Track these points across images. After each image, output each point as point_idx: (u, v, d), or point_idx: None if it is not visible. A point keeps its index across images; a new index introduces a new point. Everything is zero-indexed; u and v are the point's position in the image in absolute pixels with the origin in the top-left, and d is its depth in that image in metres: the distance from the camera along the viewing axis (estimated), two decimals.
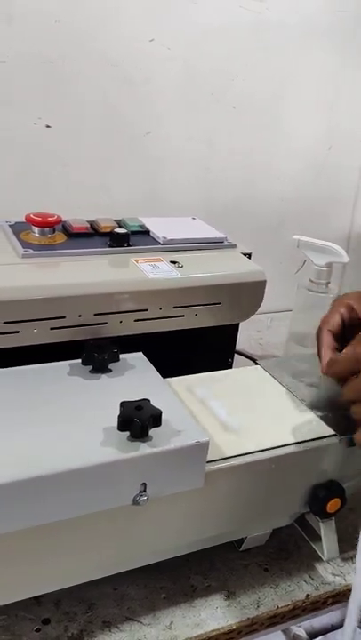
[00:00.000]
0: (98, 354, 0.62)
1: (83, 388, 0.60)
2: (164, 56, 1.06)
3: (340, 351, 0.65)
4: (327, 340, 0.67)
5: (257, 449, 0.61)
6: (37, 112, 1.01)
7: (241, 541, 0.69)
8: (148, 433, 0.53)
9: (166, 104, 1.10)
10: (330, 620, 1.42)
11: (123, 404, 0.54)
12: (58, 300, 0.63)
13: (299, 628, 1.40)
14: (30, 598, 0.60)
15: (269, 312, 1.30)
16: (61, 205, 0.84)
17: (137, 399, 0.54)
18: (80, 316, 0.65)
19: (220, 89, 1.14)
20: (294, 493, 0.65)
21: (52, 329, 0.64)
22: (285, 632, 1.38)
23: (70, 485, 0.49)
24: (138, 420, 0.52)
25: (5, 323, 0.62)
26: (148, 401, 0.54)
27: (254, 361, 1.06)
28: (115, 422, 0.53)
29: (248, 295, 0.75)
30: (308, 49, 1.19)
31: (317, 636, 1.38)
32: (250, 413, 0.67)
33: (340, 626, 1.39)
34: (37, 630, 0.59)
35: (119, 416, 0.52)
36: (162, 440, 0.53)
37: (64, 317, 0.65)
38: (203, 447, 0.54)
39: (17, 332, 0.62)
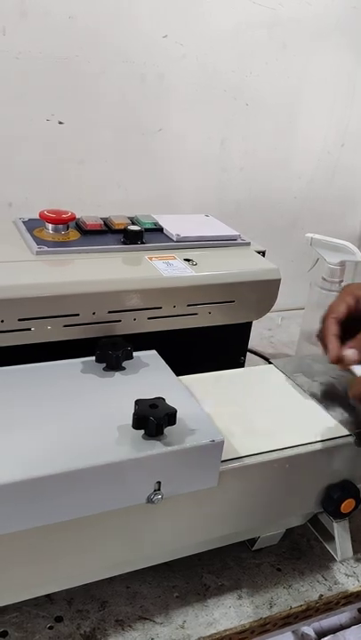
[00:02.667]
0: (112, 351, 0.62)
1: (96, 386, 0.60)
2: (177, 52, 1.06)
3: (344, 340, 0.65)
4: (333, 327, 0.67)
5: (271, 448, 0.61)
6: (50, 108, 1.00)
7: (254, 541, 0.69)
8: (163, 431, 0.52)
9: (179, 101, 1.10)
10: (338, 620, 1.41)
11: (137, 403, 0.53)
12: (71, 298, 0.63)
13: (308, 628, 1.40)
14: (43, 596, 0.61)
15: (280, 310, 1.30)
16: (74, 202, 0.84)
17: (151, 397, 0.54)
18: (94, 313, 0.65)
19: (234, 86, 1.14)
20: (308, 493, 0.65)
21: (65, 326, 0.64)
22: (294, 631, 1.38)
23: (85, 484, 0.49)
24: (153, 418, 0.52)
25: (19, 320, 0.61)
26: (163, 399, 0.54)
27: (267, 359, 1.06)
28: (129, 420, 0.52)
29: (262, 293, 0.75)
30: (321, 46, 1.18)
31: (326, 636, 1.38)
32: (263, 413, 0.66)
33: (348, 625, 1.39)
34: (50, 628, 0.59)
35: (134, 414, 0.52)
36: (177, 439, 0.53)
37: (77, 315, 0.64)
38: (218, 446, 0.54)
39: (30, 329, 0.62)
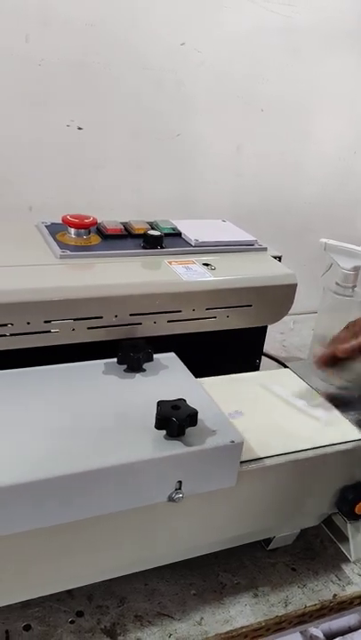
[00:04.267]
0: (133, 353, 0.64)
1: (118, 387, 0.62)
2: (194, 59, 1.07)
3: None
4: (327, 359, 0.70)
5: (288, 450, 0.62)
6: (70, 114, 1.02)
7: (269, 541, 0.70)
8: (184, 432, 0.54)
9: (196, 107, 1.12)
10: (348, 622, 1.42)
11: (160, 404, 0.55)
12: (95, 301, 0.65)
13: (316, 629, 1.40)
14: (64, 592, 0.62)
15: (293, 314, 1.31)
16: (91, 206, 0.86)
17: (172, 399, 0.55)
18: (116, 316, 0.67)
19: (249, 92, 1.15)
20: (323, 494, 0.66)
21: (89, 328, 0.66)
22: (303, 632, 1.39)
23: (109, 482, 0.51)
24: (175, 419, 0.53)
25: (45, 322, 0.63)
26: (185, 400, 0.56)
27: (282, 363, 1.07)
28: (151, 420, 0.54)
29: (279, 298, 0.76)
30: (336, 53, 1.20)
31: (335, 638, 1.39)
32: (280, 415, 0.68)
33: (357, 628, 1.39)
34: (72, 622, 0.60)
35: (157, 415, 0.54)
36: (197, 439, 0.54)
37: (101, 317, 0.66)
38: (237, 447, 0.55)
39: (56, 330, 0.64)
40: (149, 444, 0.53)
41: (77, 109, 1.02)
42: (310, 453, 0.63)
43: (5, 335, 0.62)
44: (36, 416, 0.55)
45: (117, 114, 1.06)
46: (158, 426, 0.54)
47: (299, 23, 1.14)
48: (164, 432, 0.54)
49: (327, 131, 1.27)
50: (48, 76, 0.98)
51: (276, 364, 1.09)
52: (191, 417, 0.54)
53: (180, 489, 0.54)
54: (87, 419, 0.56)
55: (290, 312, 0.81)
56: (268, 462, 0.60)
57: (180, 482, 0.54)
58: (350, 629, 1.40)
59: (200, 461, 0.54)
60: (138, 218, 0.85)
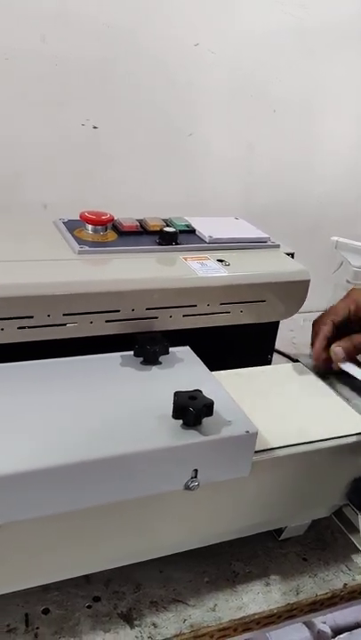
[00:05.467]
0: (150, 346, 0.65)
1: (135, 379, 0.63)
2: (208, 60, 1.09)
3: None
4: (325, 328, 0.73)
5: (300, 441, 0.64)
6: (86, 113, 1.04)
7: (280, 531, 0.72)
8: (201, 421, 0.55)
9: (209, 106, 1.13)
10: (355, 618, 1.43)
11: (177, 394, 0.56)
12: (113, 295, 0.67)
13: (323, 625, 1.41)
14: (81, 577, 0.64)
15: (302, 312, 1.32)
16: (105, 203, 0.87)
17: (190, 390, 0.57)
18: (133, 310, 0.68)
19: (262, 92, 1.17)
20: (335, 485, 0.68)
21: (106, 321, 0.67)
22: (310, 628, 1.40)
23: (127, 469, 0.52)
24: (192, 409, 0.55)
25: (64, 315, 0.65)
26: (201, 391, 0.57)
27: (292, 359, 1.08)
28: (167, 411, 0.56)
29: (292, 294, 0.78)
30: (348, 54, 1.21)
31: (342, 633, 1.40)
32: (292, 407, 0.69)
33: None
34: (89, 607, 0.62)
35: (174, 404, 0.55)
36: (213, 429, 0.56)
37: (118, 311, 0.68)
38: (252, 437, 0.57)
39: (75, 323, 0.66)
40: (167, 433, 0.55)
41: (93, 109, 1.04)
42: (322, 445, 0.64)
43: (26, 327, 0.64)
44: (57, 406, 0.57)
45: (131, 113, 1.08)
46: (175, 415, 0.55)
47: (312, 24, 1.15)
48: (180, 422, 0.56)
49: (338, 130, 1.28)
50: (64, 76, 1.00)
51: (288, 360, 1.11)
52: (207, 407, 0.55)
53: (195, 477, 0.56)
54: (106, 408, 0.58)
55: (300, 310, 0.82)
56: (280, 453, 0.62)
57: (195, 470, 0.56)
58: (358, 625, 1.41)
59: (215, 451, 0.56)
60: (150, 215, 0.86)
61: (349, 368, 0.71)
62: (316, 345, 0.72)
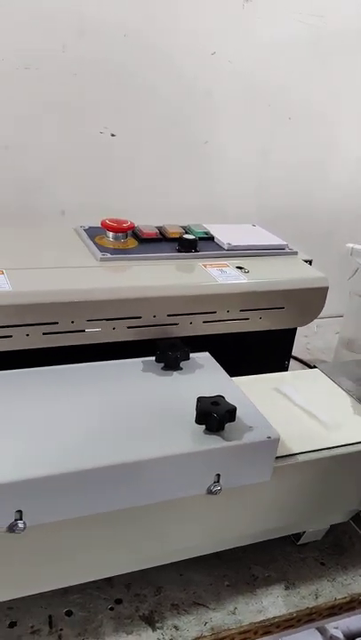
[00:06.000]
0: (171, 352, 0.66)
1: (157, 384, 0.64)
2: (224, 69, 1.10)
3: None
4: None
5: (320, 447, 0.64)
6: (104, 121, 1.05)
7: (299, 536, 0.72)
8: (224, 427, 0.56)
9: (225, 114, 1.14)
10: None
11: (200, 400, 0.57)
12: (136, 301, 0.68)
13: (336, 630, 1.41)
14: (103, 580, 0.65)
15: (317, 318, 1.33)
16: (121, 210, 0.88)
17: (212, 395, 0.58)
18: (154, 316, 0.69)
19: (277, 100, 1.18)
20: (353, 491, 0.68)
21: (128, 327, 0.69)
22: (323, 633, 1.40)
23: (152, 473, 0.53)
24: (215, 414, 0.56)
25: (88, 321, 0.66)
26: (223, 397, 0.58)
27: (308, 365, 1.09)
28: (190, 416, 0.56)
29: (311, 300, 0.79)
30: None
31: (354, 639, 1.40)
32: (311, 413, 0.70)
33: None
34: (111, 609, 0.63)
35: (197, 410, 0.56)
36: (235, 434, 0.57)
37: (140, 317, 0.69)
38: (273, 443, 0.58)
39: (98, 329, 0.67)
40: (190, 438, 0.55)
41: (111, 116, 1.06)
42: (341, 451, 0.65)
43: (51, 333, 0.65)
44: (81, 411, 0.58)
45: (149, 121, 1.09)
46: (198, 420, 0.56)
47: (327, 33, 1.16)
48: (203, 427, 0.56)
49: (353, 137, 1.29)
50: (83, 85, 1.01)
51: (302, 366, 1.12)
52: (230, 412, 0.56)
53: (218, 482, 0.57)
54: (129, 413, 0.58)
55: None
56: (301, 459, 0.63)
57: (218, 475, 0.56)
58: None
59: (238, 456, 0.56)
60: (167, 222, 0.88)
61: None
62: None
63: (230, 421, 0.57)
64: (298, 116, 1.21)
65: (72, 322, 0.65)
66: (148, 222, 0.86)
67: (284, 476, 0.62)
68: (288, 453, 0.62)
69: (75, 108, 1.03)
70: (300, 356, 1.19)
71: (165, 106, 1.09)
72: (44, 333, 0.64)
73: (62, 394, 0.60)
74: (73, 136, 1.05)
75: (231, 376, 0.67)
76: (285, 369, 0.87)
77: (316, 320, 1.34)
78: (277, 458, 0.61)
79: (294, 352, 1.21)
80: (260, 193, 1.26)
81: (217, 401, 0.57)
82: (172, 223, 0.87)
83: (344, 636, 1.42)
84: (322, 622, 0.68)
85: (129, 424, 0.57)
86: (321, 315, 1.24)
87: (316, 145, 1.26)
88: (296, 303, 0.77)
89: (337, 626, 1.43)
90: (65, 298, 0.64)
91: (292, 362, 1.11)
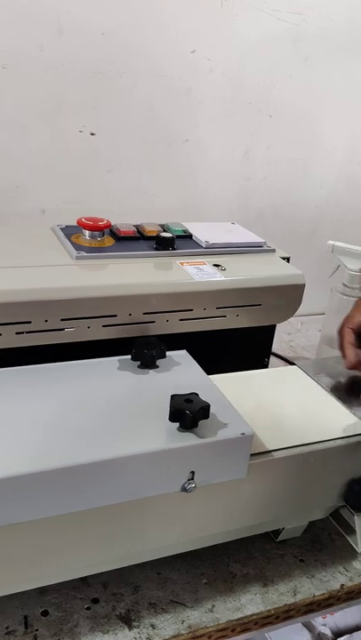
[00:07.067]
0: (147, 350, 0.66)
1: (133, 382, 0.64)
2: (204, 67, 1.10)
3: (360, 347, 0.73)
4: (349, 336, 0.74)
5: (296, 443, 0.64)
6: (83, 120, 1.05)
7: (278, 533, 0.72)
8: (197, 424, 0.56)
9: (206, 113, 1.14)
10: (354, 621, 1.44)
11: (173, 397, 0.57)
12: (111, 300, 0.67)
13: (324, 627, 1.42)
14: (79, 579, 0.65)
15: (300, 315, 1.33)
16: (102, 209, 0.88)
17: (186, 393, 0.58)
18: (130, 314, 0.69)
19: (258, 98, 1.18)
20: (331, 487, 0.68)
21: (104, 326, 0.68)
22: (311, 630, 1.40)
23: (126, 471, 0.53)
24: (189, 411, 0.55)
25: (62, 320, 0.66)
26: (197, 394, 0.58)
27: (289, 362, 1.09)
28: (164, 414, 0.56)
29: (288, 297, 0.79)
30: (344, 59, 1.22)
31: (342, 636, 1.40)
32: (288, 410, 0.70)
33: None
34: (88, 609, 0.63)
35: (170, 408, 0.56)
36: (210, 431, 0.56)
37: (115, 316, 0.69)
38: (247, 439, 0.58)
39: (72, 328, 0.66)
40: (164, 436, 0.55)
41: (90, 116, 1.05)
42: (318, 447, 0.65)
43: (24, 332, 0.65)
44: (55, 410, 0.58)
45: (128, 120, 1.09)
46: (172, 418, 0.56)
47: (307, 31, 1.16)
48: (177, 424, 0.56)
49: (335, 135, 1.29)
50: (61, 84, 1.01)
51: (284, 363, 1.12)
52: (204, 410, 0.56)
53: (192, 479, 0.57)
54: (104, 412, 0.58)
55: (297, 313, 0.83)
56: (277, 455, 0.62)
57: (192, 472, 0.56)
58: (357, 627, 1.41)
59: (212, 453, 0.56)
60: (148, 221, 0.87)
61: None
62: (346, 353, 0.73)
63: (204, 418, 0.57)
64: (279, 114, 1.21)
65: (45, 321, 0.65)
66: (130, 221, 0.86)
67: (261, 472, 0.62)
68: (264, 450, 0.62)
69: (53, 107, 1.03)
70: (283, 354, 1.19)
71: (145, 104, 1.09)
72: (17, 333, 0.64)
73: (36, 393, 0.59)
74: (52, 135, 1.04)
75: (210, 374, 0.67)
76: (265, 366, 0.87)
77: (300, 317, 1.36)
78: (253, 455, 0.61)
79: (278, 349, 1.21)
80: (243, 191, 1.26)
81: (190, 398, 0.57)
82: (154, 222, 0.87)
83: (332, 632, 1.42)
84: (300, 619, 0.68)
85: (103, 423, 0.57)
86: (305, 312, 1.24)
87: (298, 142, 1.26)
88: (273, 300, 0.77)
89: (325, 623, 1.43)
90: (38, 296, 0.64)
91: (274, 359, 1.11)
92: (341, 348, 0.75)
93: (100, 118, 1.07)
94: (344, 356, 0.74)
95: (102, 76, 1.04)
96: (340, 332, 0.75)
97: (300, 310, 0.87)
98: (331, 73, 1.22)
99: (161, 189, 1.17)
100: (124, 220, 0.86)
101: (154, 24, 1.04)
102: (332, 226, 1.36)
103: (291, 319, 0.84)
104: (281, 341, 1.28)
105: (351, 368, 0.73)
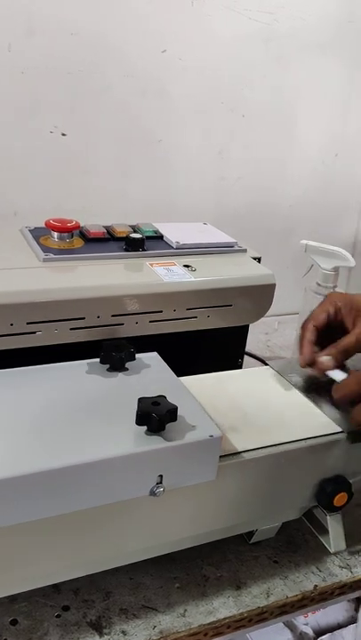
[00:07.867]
0: (115, 353, 0.65)
1: (101, 386, 0.63)
2: (176, 66, 1.10)
3: (320, 346, 0.72)
4: (309, 334, 0.73)
5: (267, 444, 0.64)
6: (54, 120, 1.04)
7: (251, 534, 0.72)
8: (164, 427, 0.55)
9: (179, 113, 1.14)
10: (335, 619, 1.44)
11: (140, 400, 0.56)
12: (77, 302, 0.67)
13: (306, 626, 1.42)
14: (50, 586, 0.64)
15: (277, 315, 1.33)
16: (77, 211, 0.87)
17: (153, 396, 0.57)
18: (98, 317, 0.68)
19: (232, 98, 1.18)
20: (303, 487, 0.68)
21: (71, 329, 0.67)
22: (292, 630, 1.41)
23: (92, 476, 0.52)
24: (155, 414, 0.55)
25: (28, 323, 0.65)
26: (165, 397, 0.57)
27: (263, 362, 1.09)
28: (132, 417, 0.56)
29: (258, 297, 0.78)
30: (317, 59, 1.22)
31: (324, 634, 1.40)
32: (260, 411, 0.69)
33: (346, 624, 1.41)
34: (58, 616, 0.62)
35: (137, 411, 0.55)
36: (177, 434, 0.56)
37: (83, 318, 0.68)
38: (216, 441, 0.57)
39: (39, 331, 0.65)
40: (131, 440, 0.55)
41: (61, 116, 1.04)
42: (289, 447, 0.64)
43: None
44: (19, 414, 0.57)
45: (101, 120, 1.08)
46: (139, 422, 0.55)
47: (279, 30, 1.16)
48: (145, 428, 0.56)
49: (309, 134, 1.30)
50: (31, 84, 1.00)
51: (260, 363, 1.11)
52: (171, 412, 0.55)
53: (160, 483, 0.56)
54: (70, 416, 0.57)
55: (274, 313, 0.83)
56: (246, 456, 0.62)
57: (160, 476, 0.56)
58: (339, 626, 1.41)
59: (180, 456, 0.56)
60: (123, 222, 0.87)
61: (336, 375, 0.71)
62: (302, 351, 0.73)
63: (172, 421, 0.56)
64: (253, 114, 1.21)
65: (11, 324, 0.64)
66: (104, 223, 0.85)
67: (231, 474, 0.61)
68: (234, 451, 0.62)
69: (23, 108, 1.02)
70: (260, 354, 1.19)
71: (117, 104, 1.08)
72: None
73: (0, 399, 0.58)
74: (22, 136, 1.03)
75: (183, 375, 0.67)
76: (239, 366, 0.87)
77: (276, 317, 1.36)
78: (223, 456, 0.60)
79: (255, 349, 1.21)
80: (218, 191, 1.26)
81: (157, 401, 0.57)
82: (128, 223, 0.86)
83: (314, 631, 1.42)
84: (274, 621, 0.67)
85: (69, 427, 0.56)
86: (282, 311, 1.25)
87: (272, 142, 1.26)
88: (244, 300, 0.77)
89: (307, 622, 1.43)
90: (3, 300, 0.63)
91: (249, 360, 1.11)
92: (301, 344, 0.73)
93: (72, 119, 1.06)
94: (300, 352, 0.72)
95: (73, 76, 1.03)
96: (303, 328, 0.74)
97: (278, 310, 0.86)
98: (303, 72, 1.22)
99: (136, 190, 1.17)
100: (99, 222, 0.85)
101: (124, 24, 1.03)
102: (308, 225, 1.36)
103: (268, 319, 0.83)
104: (258, 341, 1.28)
105: (305, 366, 0.72)
